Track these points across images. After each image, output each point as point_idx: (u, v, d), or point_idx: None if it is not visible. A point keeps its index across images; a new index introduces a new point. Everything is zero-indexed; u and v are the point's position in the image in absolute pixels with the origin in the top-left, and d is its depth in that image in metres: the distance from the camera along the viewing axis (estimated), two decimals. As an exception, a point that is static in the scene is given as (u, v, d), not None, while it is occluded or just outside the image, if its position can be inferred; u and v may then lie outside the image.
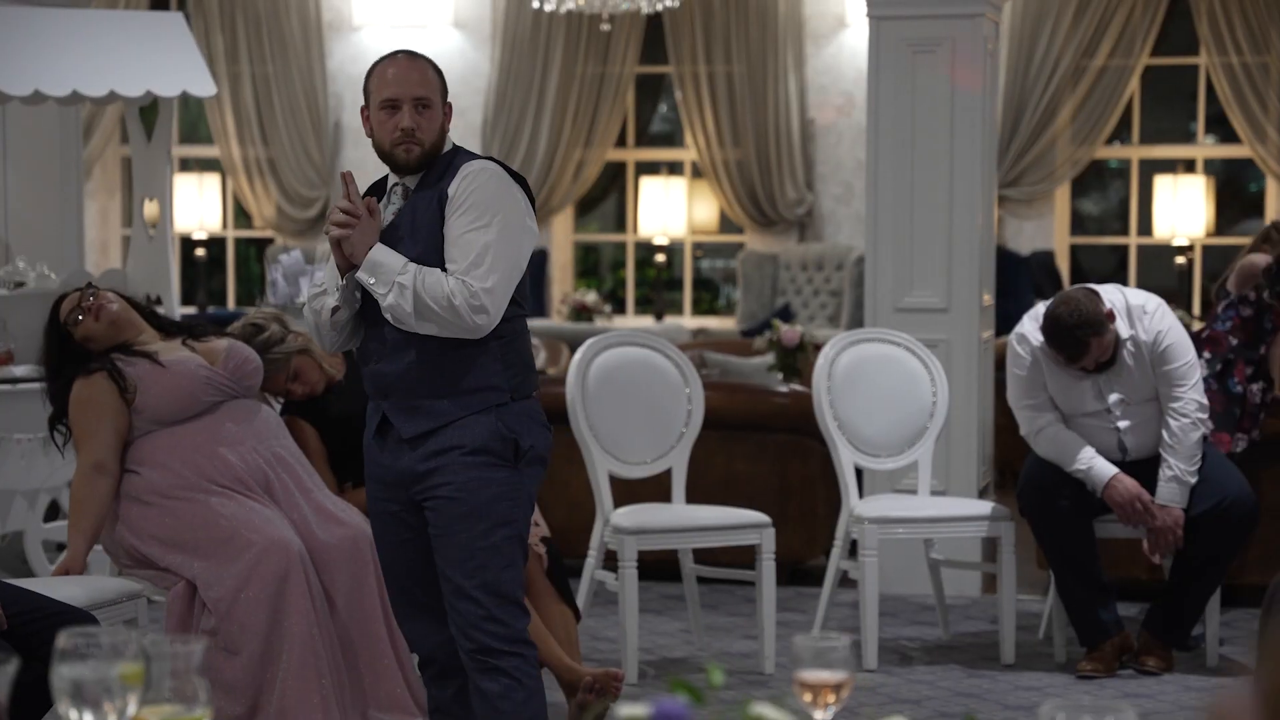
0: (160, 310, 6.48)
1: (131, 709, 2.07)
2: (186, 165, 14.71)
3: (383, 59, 4.40)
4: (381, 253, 4.26)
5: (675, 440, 6.53)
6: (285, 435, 5.48)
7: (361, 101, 4.41)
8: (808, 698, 2.25)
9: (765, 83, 13.30)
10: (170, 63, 7.57)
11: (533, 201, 4.41)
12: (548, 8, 11.88)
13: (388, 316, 4.26)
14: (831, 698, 2.25)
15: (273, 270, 8.14)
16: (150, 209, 7.82)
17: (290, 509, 5.27)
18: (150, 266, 7.80)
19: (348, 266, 4.30)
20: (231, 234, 14.82)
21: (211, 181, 14.42)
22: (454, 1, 13.82)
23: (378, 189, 4.46)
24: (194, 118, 14.81)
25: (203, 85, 7.61)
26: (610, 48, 13.61)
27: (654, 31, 13.69)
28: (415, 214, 4.33)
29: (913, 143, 7.48)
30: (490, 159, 4.39)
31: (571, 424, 6.30)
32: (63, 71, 7.26)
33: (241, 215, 14.68)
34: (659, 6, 11.96)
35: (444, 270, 4.24)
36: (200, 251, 14.23)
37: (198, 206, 14.29)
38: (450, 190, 4.28)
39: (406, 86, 4.31)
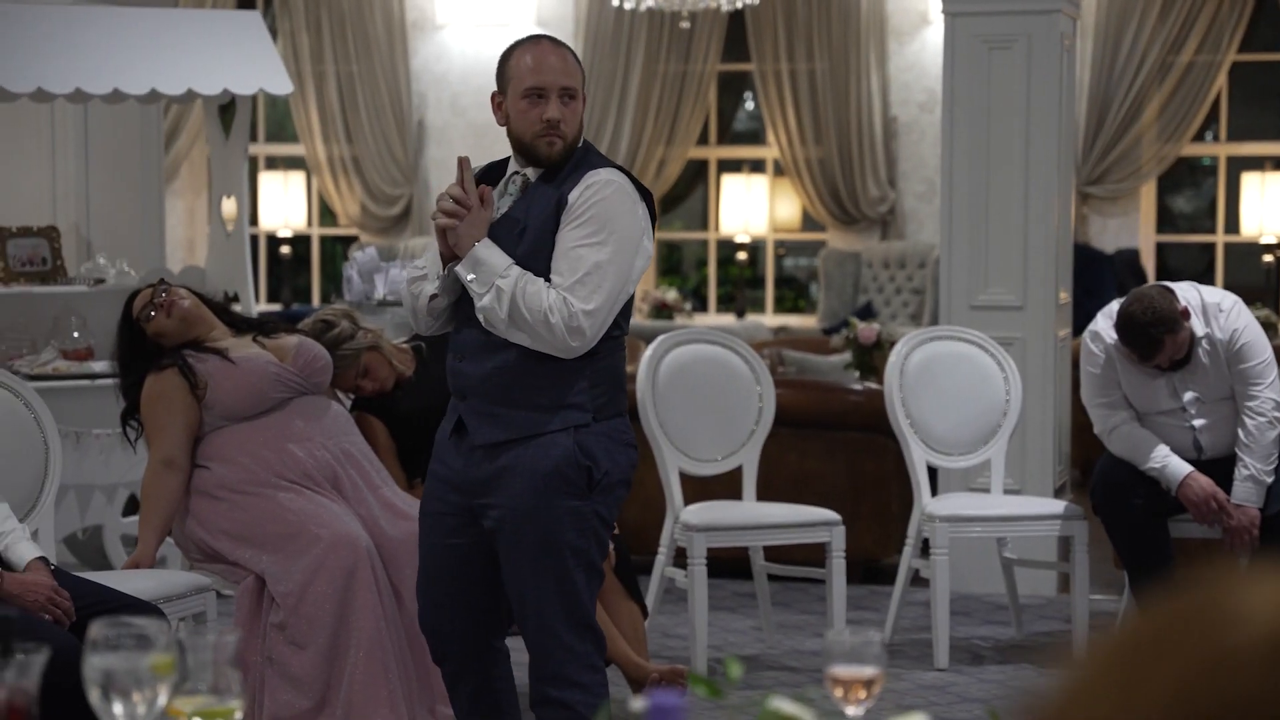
0: (236, 307, 6.54)
1: (162, 699, 2.08)
2: (272, 163, 14.84)
3: (523, 43, 4.13)
4: (486, 249, 4.00)
5: (746, 438, 6.51)
6: (354, 431, 5.50)
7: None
8: (839, 693, 2.25)
9: (847, 80, 13.27)
10: (248, 61, 7.63)
11: (654, 218, 4.15)
12: (628, 5, 11.90)
13: (480, 318, 4.01)
14: (863, 693, 2.25)
15: (348, 267, 8.19)
16: (228, 206, 7.89)
17: (358, 504, 5.29)
18: (229, 264, 7.86)
19: (450, 257, 4.05)
20: (316, 231, 14.94)
21: (297, 180, 14.53)
22: (536, 0, 13.87)
23: (493, 173, 4.19)
24: (280, 116, 14.93)
25: (279, 84, 7.67)
26: (692, 45, 13.61)
27: (736, 29, 13.68)
28: (530, 211, 4.06)
29: (988, 139, 7.43)
30: (619, 168, 4.12)
31: (642, 421, 6.29)
32: (142, 70, 7.34)
33: (326, 213, 14.79)
34: (740, 4, 11.95)
35: (547, 279, 3.99)
36: (285, 249, 14.35)
37: (283, 204, 14.42)
38: (571, 197, 4.01)
39: (554, 75, 4.04)
